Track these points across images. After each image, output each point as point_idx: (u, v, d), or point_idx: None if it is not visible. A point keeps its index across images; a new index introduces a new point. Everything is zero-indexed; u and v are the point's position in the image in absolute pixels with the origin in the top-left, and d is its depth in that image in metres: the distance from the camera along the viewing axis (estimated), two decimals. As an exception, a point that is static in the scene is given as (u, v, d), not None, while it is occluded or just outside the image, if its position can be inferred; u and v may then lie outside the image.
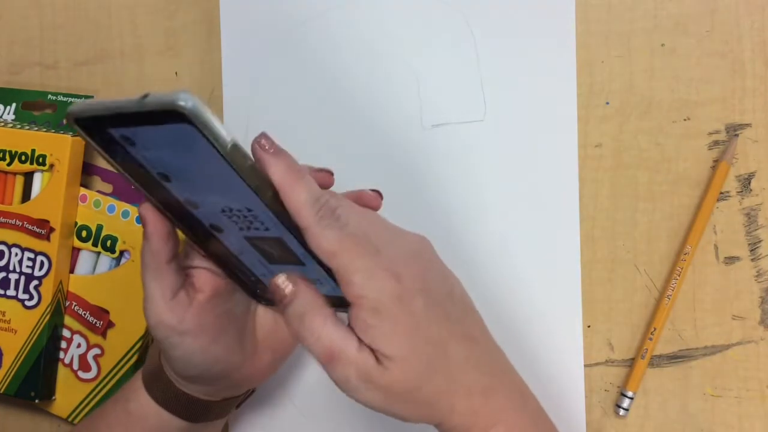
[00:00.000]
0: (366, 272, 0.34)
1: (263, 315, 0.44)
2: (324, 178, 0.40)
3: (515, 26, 0.50)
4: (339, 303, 0.38)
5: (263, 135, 0.35)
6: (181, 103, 0.31)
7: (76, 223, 0.55)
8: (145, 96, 0.31)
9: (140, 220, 0.39)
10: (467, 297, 0.39)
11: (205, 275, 0.42)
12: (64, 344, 0.55)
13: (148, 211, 0.39)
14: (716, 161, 0.48)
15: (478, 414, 0.37)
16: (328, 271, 0.37)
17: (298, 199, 0.34)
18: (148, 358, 0.45)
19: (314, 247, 0.35)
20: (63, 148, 0.53)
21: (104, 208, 0.54)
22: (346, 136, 0.52)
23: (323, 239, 0.34)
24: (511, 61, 0.50)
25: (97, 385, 0.54)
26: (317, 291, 0.37)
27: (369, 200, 0.41)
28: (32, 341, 0.53)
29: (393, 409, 0.36)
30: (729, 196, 0.48)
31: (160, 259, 0.39)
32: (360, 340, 0.35)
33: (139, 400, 0.44)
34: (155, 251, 0.39)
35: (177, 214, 0.39)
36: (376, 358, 0.35)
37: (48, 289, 0.53)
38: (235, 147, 0.33)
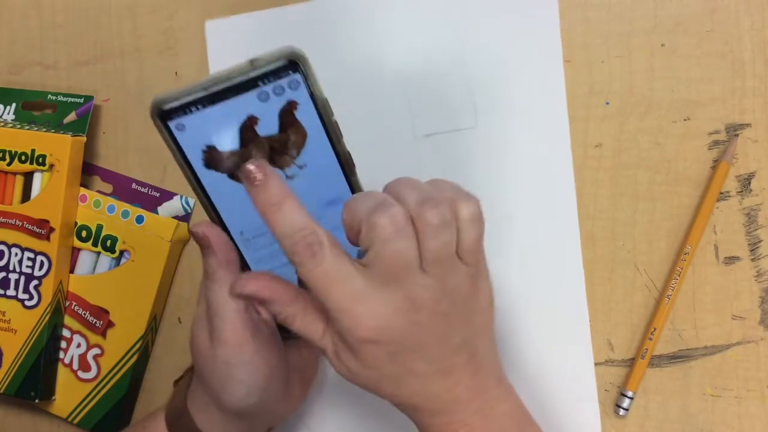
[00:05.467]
0: (342, 312, 0.34)
1: (289, 346, 0.44)
2: None
3: (502, 32, 0.50)
4: None
5: (252, 163, 0.34)
6: (296, 50, 0.35)
7: (76, 223, 0.55)
8: (252, 61, 0.35)
9: (196, 236, 0.39)
10: (478, 300, 0.37)
11: None
12: (64, 344, 0.55)
13: (203, 224, 0.39)
14: (716, 161, 0.48)
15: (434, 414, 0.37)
16: None
17: (274, 231, 0.34)
18: (172, 397, 0.45)
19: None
20: (63, 148, 0.53)
21: (104, 208, 0.54)
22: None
23: (299, 272, 0.34)
24: (500, 67, 0.50)
25: (97, 385, 0.54)
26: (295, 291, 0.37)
27: None
28: (32, 341, 0.53)
29: (362, 385, 0.37)
30: (729, 196, 0.48)
31: (234, 268, 0.39)
32: (324, 330, 0.36)
33: None
34: (226, 261, 0.39)
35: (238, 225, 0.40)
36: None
37: (48, 289, 0.53)
38: (327, 99, 0.36)
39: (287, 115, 0.36)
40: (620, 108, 0.49)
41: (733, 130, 0.48)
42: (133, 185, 0.55)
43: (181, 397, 0.44)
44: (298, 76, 0.35)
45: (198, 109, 0.35)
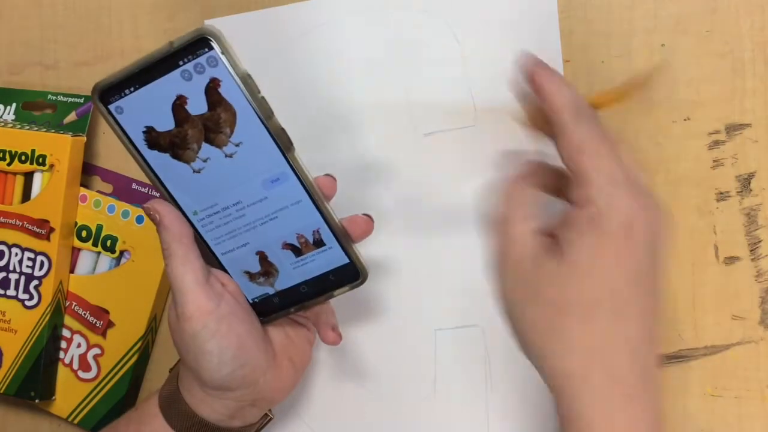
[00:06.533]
0: (609, 178, 0.32)
1: (273, 329, 0.45)
2: (327, 183, 0.41)
3: (499, 30, 0.50)
4: (341, 277, 0.41)
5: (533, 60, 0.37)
6: (209, 28, 0.36)
7: (76, 223, 0.55)
8: (171, 42, 0.37)
9: (149, 213, 0.40)
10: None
11: (224, 273, 0.42)
12: (64, 344, 0.55)
13: (155, 201, 0.40)
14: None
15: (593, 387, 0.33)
16: (338, 238, 0.41)
17: (561, 99, 0.35)
18: (165, 383, 0.45)
19: (567, 144, 0.33)
20: (63, 148, 0.53)
21: (104, 208, 0.54)
22: (341, 151, 0.52)
23: (577, 133, 0.33)
24: (498, 65, 0.50)
25: (97, 385, 0.54)
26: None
27: (361, 224, 0.42)
28: (32, 341, 0.53)
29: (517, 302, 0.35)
30: (729, 196, 0.48)
31: (187, 241, 0.40)
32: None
33: (154, 425, 0.43)
34: (179, 234, 0.40)
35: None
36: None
37: (48, 289, 0.53)
38: (249, 75, 0.37)
39: (212, 93, 0.37)
40: (620, 108, 0.49)
41: (733, 130, 0.48)
42: (133, 185, 0.55)
43: (173, 381, 0.44)
44: (214, 53, 0.37)
45: (131, 90, 0.38)
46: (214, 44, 0.36)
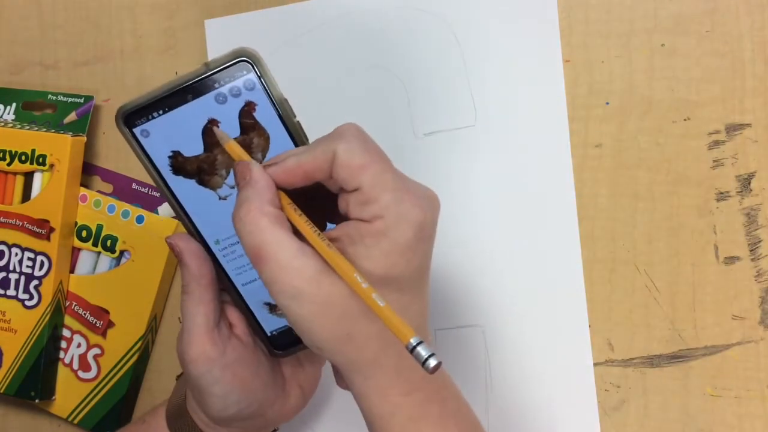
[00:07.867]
0: (395, 193, 0.33)
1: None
2: None
3: (499, 30, 0.50)
4: None
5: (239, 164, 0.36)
6: (249, 49, 0.36)
7: (76, 223, 0.55)
8: (207, 63, 0.36)
9: (171, 248, 0.39)
10: None
11: (236, 311, 0.42)
12: (64, 344, 0.55)
13: (178, 236, 0.39)
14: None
15: (399, 375, 0.35)
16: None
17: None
18: (172, 393, 0.45)
19: (344, 167, 0.33)
20: (63, 148, 0.53)
21: (104, 208, 0.54)
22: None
23: (354, 154, 0.33)
24: (498, 65, 0.50)
25: (97, 385, 0.54)
26: (271, 183, 0.34)
27: None
28: (32, 341, 0.53)
29: (315, 325, 0.33)
30: (729, 196, 0.48)
31: (205, 282, 0.39)
32: (301, 248, 0.33)
33: None
34: (198, 274, 0.39)
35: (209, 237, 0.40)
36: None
37: (48, 289, 0.53)
38: (286, 99, 0.36)
39: (247, 117, 0.36)
40: (620, 108, 0.49)
41: (733, 130, 0.48)
42: (133, 185, 0.55)
43: (181, 394, 0.44)
44: (252, 76, 0.36)
45: (160, 114, 0.36)
46: (253, 67, 0.35)
